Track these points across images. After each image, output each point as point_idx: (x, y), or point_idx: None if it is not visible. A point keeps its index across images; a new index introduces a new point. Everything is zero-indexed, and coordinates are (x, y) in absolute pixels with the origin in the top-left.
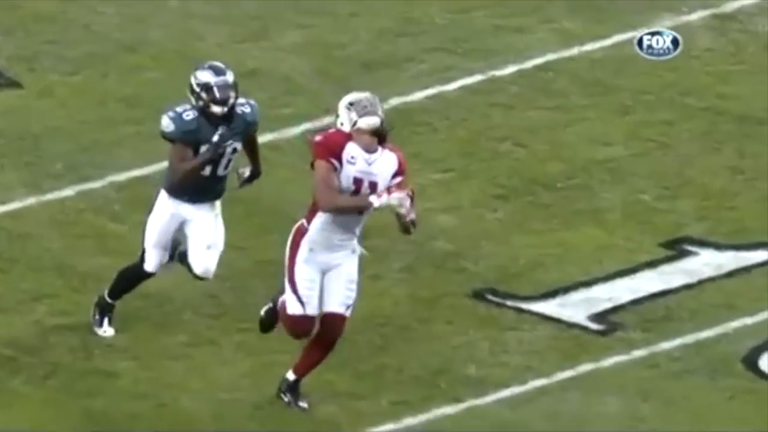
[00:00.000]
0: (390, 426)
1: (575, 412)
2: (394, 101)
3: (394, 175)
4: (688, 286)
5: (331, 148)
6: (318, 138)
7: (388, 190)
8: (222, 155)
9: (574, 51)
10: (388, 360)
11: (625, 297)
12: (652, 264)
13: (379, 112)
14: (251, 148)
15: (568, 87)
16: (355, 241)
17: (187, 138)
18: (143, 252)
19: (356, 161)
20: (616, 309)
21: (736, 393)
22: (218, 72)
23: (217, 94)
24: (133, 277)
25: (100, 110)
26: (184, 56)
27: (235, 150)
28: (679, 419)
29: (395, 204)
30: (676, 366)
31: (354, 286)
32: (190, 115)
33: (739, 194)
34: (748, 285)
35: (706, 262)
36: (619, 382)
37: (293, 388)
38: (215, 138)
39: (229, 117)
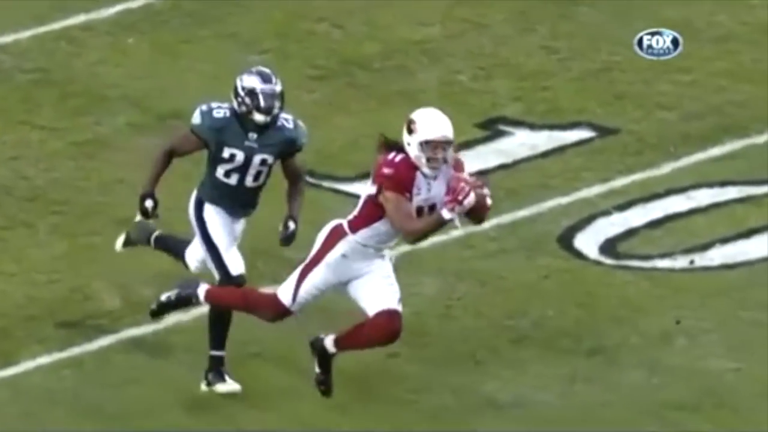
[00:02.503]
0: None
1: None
2: None
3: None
4: (503, 166)
5: (403, 183)
6: (387, 171)
7: (454, 197)
8: (248, 165)
9: None
10: None
11: None
12: (468, 144)
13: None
14: (292, 186)
15: None
16: (387, 250)
17: (210, 135)
18: (221, 269)
19: (421, 192)
20: None
21: (551, 272)
22: (266, 79)
23: (262, 102)
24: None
25: None
26: None
27: (264, 161)
28: (494, 299)
29: (471, 204)
30: (492, 246)
31: (394, 281)
32: (221, 113)
33: (553, 74)
34: (563, 165)
35: (521, 142)
36: (436, 262)
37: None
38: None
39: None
